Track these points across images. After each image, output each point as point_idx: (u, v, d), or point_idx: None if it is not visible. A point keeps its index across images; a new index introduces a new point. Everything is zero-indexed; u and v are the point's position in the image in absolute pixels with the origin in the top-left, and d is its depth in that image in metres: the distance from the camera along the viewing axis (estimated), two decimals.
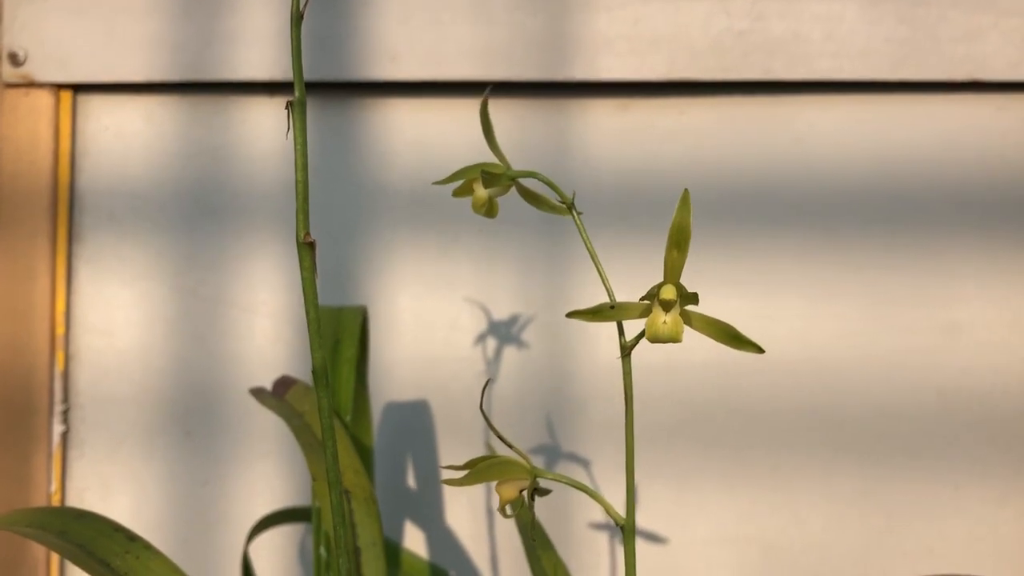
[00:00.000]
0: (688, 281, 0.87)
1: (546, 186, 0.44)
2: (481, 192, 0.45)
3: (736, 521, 0.83)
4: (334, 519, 0.33)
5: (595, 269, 0.82)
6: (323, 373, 0.34)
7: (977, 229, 0.81)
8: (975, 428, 0.81)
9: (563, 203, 0.43)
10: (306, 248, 0.34)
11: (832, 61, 0.80)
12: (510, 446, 0.41)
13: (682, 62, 0.80)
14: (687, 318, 0.40)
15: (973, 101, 0.81)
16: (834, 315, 0.82)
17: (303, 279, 0.35)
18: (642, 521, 0.83)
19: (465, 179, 0.45)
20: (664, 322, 0.39)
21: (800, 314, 0.82)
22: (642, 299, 0.39)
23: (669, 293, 0.39)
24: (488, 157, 0.46)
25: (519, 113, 0.84)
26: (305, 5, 0.33)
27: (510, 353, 0.84)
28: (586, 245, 0.42)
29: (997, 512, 0.81)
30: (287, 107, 0.33)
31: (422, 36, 0.82)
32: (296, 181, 0.33)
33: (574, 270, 0.84)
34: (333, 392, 0.65)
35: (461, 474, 0.41)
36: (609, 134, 0.84)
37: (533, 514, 0.42)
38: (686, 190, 0.38)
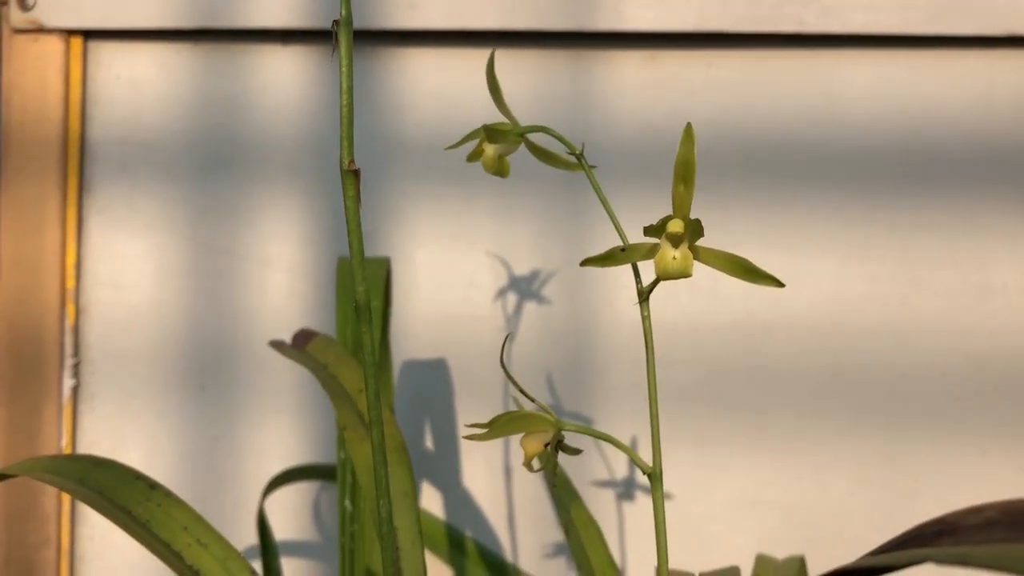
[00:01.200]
0: (715, 238, 0.86)
1: (557, 141, 0.43)
2: (490, 151, 0.43)
3: (758, 484, 0.81)
4: (375, 459, 0.31)
5: (621, 225, 0.80)
6: (367, 307, 0.33)
7: (1012, 189, 0.79)
8: (1005, 393, 0.80)
9: (572, 155, 0.42)
10: (350, 175, 0.32)
11: (867, 14, 0.77)
12: (532, 399, 0.40)
13: (712, 13, 0.78)
14: (697, 253, 0.38)
15: (1011, 56, 0.79)
16: (863, 275, 0.80)
17: (346, 208, 0.33)
18: (663, 483, 0.81)
19: (476, 139, 0.44)
20: (674, 257, 0.38)
21: (829, 274, 0.80)
22: (648, 234, 0.38)
23: (677, 226, 0.38)
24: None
25: (542, 64, 0.82)
26: None
27: (530, 310, 0.83)
28: (598, 194, 0.40)
29: None
30: (332, 26, 0.31)
31: None
32: (341, 105, 0.31)
33: (595, 226, 0.82)
34: (357, 344, 0.63)
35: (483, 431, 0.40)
36: (635, 87, 0.81)
37: (556, 464, 0.41)
38: (689, 124, 0.37)
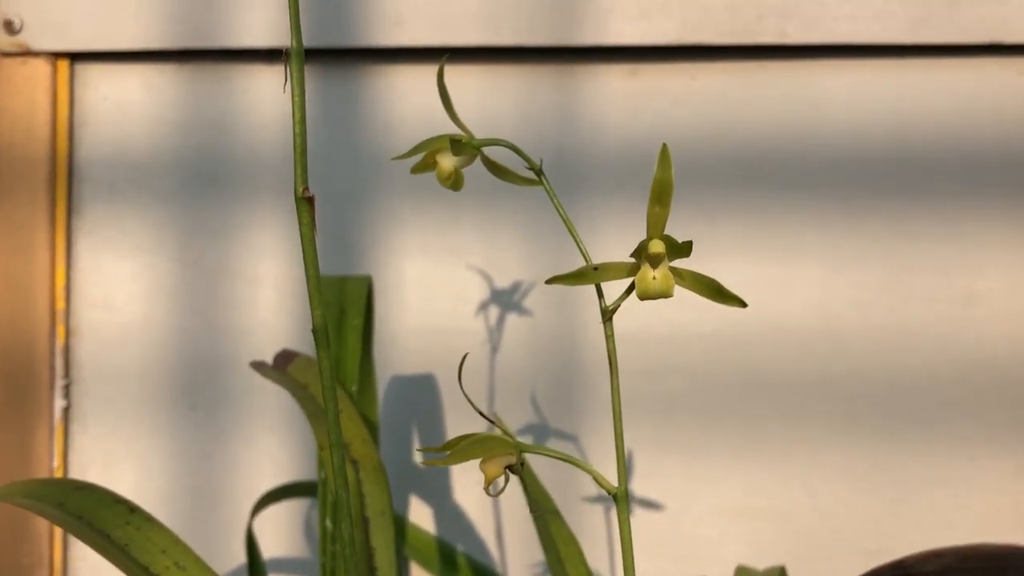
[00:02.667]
0: (701, 249, 0.85)
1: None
2: (447, 164, 0.43)
3: (748, 493, 0.81)
4: (336, 481, 0.32)
5: (606, 238, 0.80)
6: (324, 332, 0.33)
7: (997, 196, 0.79)
8: (992, 399, 0.79)
9: (531, 169, 0.42)
10: (304, 203, 0.33)
11: (849, 24, 0.77)
12: (492, 421, 0.41)
13: (694, 25, 0.78)
14: (676, 274, 0.39)
15: (993, 64, 0.79)
16: (850, 283, 0.80)
17: (302, 235, 0.34)
18: (653, 493, 0.82)
19: (428, 151, 0.43)
20: (654, 277, 0.39)
21: (815, 283, 0.80)
22: (633, 256, 0.38)
23: (658, 247, 0.38)
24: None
25: (526, 79, 0.82)
26: None
27: (518, 324, 0.83)
28: (558, 210, 0.41)
29: (1013, 484, 0.79)
30: (283, 56, 0.31)
31: (427, 0, 0.80)
32: (294, 134, 0.32)
33: (583, 240, 0.83)
34: (339, 361, 0.63)
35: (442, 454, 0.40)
36: (618, 100, 0.82)
37: (526, 489, 0.41)
38: (664, 145, 0.37)
